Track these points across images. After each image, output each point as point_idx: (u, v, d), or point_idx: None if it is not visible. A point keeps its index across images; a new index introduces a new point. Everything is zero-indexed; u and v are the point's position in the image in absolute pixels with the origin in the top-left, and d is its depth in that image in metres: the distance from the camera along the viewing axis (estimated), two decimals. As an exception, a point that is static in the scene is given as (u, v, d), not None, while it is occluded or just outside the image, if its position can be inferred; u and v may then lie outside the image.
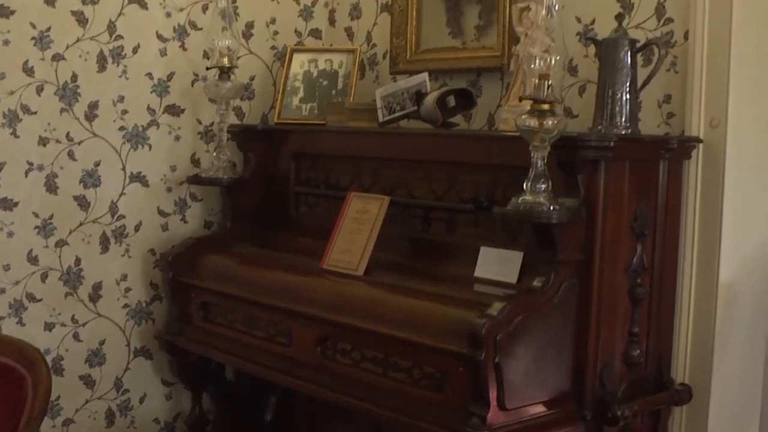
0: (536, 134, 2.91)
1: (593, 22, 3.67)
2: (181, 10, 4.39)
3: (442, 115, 3.63)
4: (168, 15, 4.35)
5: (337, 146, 4.11)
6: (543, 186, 2.92)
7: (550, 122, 2.89)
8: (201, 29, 4.41)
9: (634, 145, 3.20)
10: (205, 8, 4.44)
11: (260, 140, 4.38)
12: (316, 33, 4.86)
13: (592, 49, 3.59)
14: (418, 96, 3.74)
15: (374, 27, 4.63)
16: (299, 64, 4.49)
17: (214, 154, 4.33)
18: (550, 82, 2.90)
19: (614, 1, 3.60)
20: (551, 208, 2.90)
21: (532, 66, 2.94)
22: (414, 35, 4.31)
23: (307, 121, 4.36)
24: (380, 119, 3.83)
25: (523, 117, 2.92)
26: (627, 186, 3.14)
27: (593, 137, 3.04)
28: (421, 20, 4.30)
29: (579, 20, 3.70)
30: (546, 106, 2.90)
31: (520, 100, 3.01)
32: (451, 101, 3.72)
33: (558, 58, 2.92)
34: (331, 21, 4.87)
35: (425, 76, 3.85)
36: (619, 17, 3.40)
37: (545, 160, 2.94)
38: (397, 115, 3.82)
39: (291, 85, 4.45)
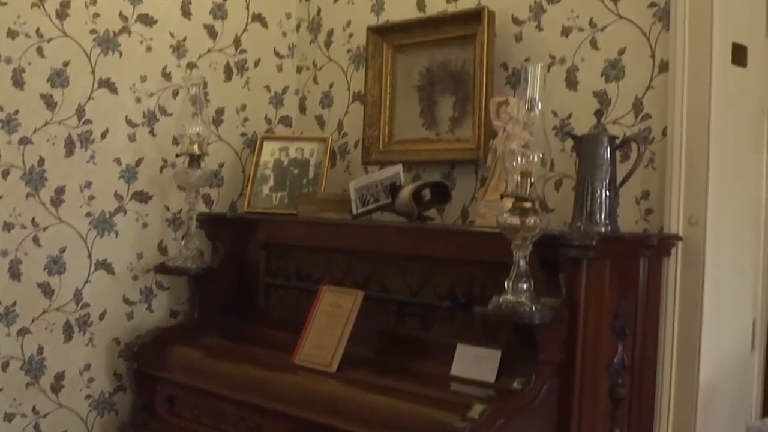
0: (518, 232, 2.86)
1: (570, 116, 3.65)
2: (152, 95, 4.33)
3: (417, 208, 3.58)
4: (138, 100, 4.29)
5: (308, 237, 4.03)
6: (525, 285, 2.87)
7: (532, 220, 2.85)
8: (171, 115, 4.37)
9: (615, 244, 3.17)
10: (175, 94, 4.38)
11: (229, 229, 4.30)
12: (286, 120, 4.82)
13: (568, 143, 3.56)
14: (393, 188, 3.69)
15: (346, 116, 4.58)
16: (270, 151, 4.43)
17: (182, 242, 4.24)
18: (532, 180, 2.86)
19: (591, 96, 3.58)
20: (533, 308, 2.84)
21: (514, 163, 2.90)
22: (387, 125, 4.26)
23: (277, 210, 4.29)
24: (354, 211, 3.77)
25: (505, 215, 2.88)
26: (608, 284, 3.09)
27: (575, 236, 3.00)
28: (395, 110, 4.26)
29: (555, 114, 3.68)
30: (528, 204, 2.86)
31: (502, 197, 2.97)
32: (427, 194, 3.68)
33: (541, 155, 2.88)
34: (302, 109, 4.82)
35: (399, 168, 3.80)
36: (598, 113, 3.38)
37: (527, 259, 2.88)
38: (370, 207, 3.76)
39: (261, 173, 4.38)
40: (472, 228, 3.53)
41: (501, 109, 3.43)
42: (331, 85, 4.68)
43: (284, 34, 4.81)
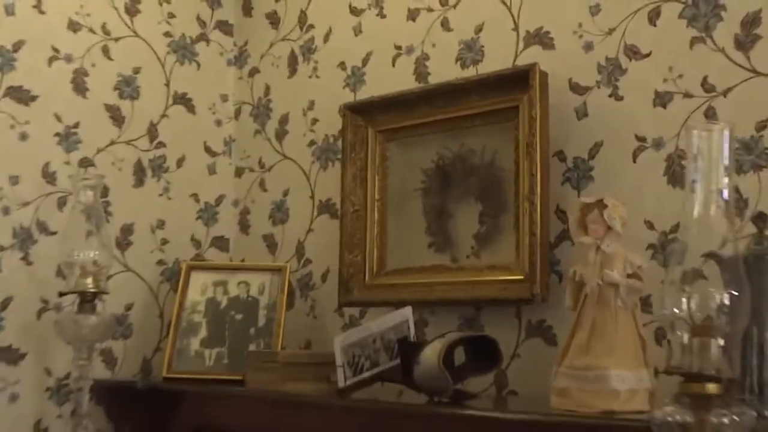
0: (695, 442, 1.50)
1: (676, 228, 2.34)
2: (26, 204, 3.19)
3: (451, 379, 2.20)
4: (5, 211, 3.15)
5: (264, 422, 2.66)
6: None
7: (725, 419, 1.49)
8: (54, 234, 3.19)
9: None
10: (61, 203, 3.23)
11: (141, 404, 3.04)
12: (221, 243, 3.61)
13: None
14: (404, 347, 2.33)
15: (308, 235, 3.33)
16: (200, 287, 3.22)
17: (71, 423, 3.02)
18: (721, 343, 1.51)
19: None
20: None
21: (676, 310, 1.56)
22: (376, 248, 2.97)
23: (213, 375, 3.03)
24: (341, 383, 2.41)
25: (668, 409, 1.52)
26: None
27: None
28: (386, 225, 2.98)
29: (650, 225, 2.38)
30: (713, 388, 1.50)
31: (658, 373, 1.59)
32: (460, 355, 2.31)
33: (732, 295, 1.54)
34: (244, 226, 3.58)
35: (409, 312, 2.51)
36: (761, 219, 2.06)
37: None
38: (367, 375, 2.43)
39: (188, 320, 3.15)
40: (552, 416, 2.11)
41: (591, 216, 2.11)
42: (285, 193, 3.44)
43: (218, 123, 3.66)
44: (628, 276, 2.06)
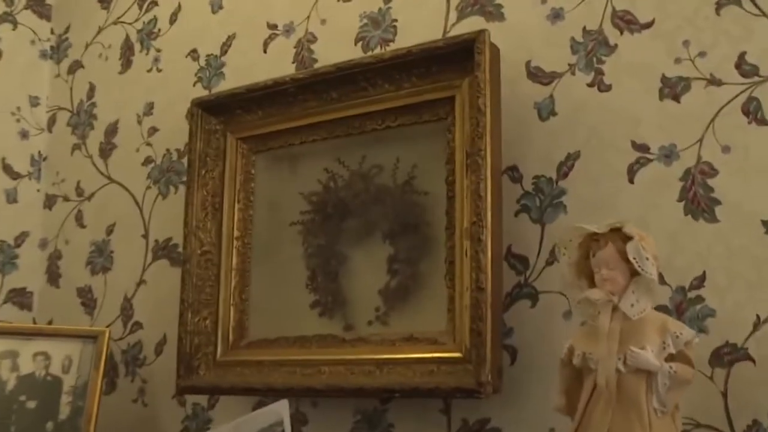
0: None
1: (700, 282, 1.55)
2: None
3: None
4: None
5: None
6: None
7: None
8: None
9: None
10: None
11: None
12: (20, 297, 2.66)
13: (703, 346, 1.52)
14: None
15: (139, 288, 2.40)
16: None
17: None
18: None
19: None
20: None
21: None
22: (233, 308, 2.08)
23: None
24: None
25: None
26: None
27: None
28: (250, 276, 2.09)
29: (659, 278, 1.54)
30: None
31: None
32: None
33: None
34: (52, 276, 2.65)
35: (284, 408, 1.58)
36: None
37: None
38: None
39: None
40: None
41: (600, 255, 1.28)
42: (110, 230, 2.54)
43: (24, 134, 2.76)
44: (669, 357, 1.22)
